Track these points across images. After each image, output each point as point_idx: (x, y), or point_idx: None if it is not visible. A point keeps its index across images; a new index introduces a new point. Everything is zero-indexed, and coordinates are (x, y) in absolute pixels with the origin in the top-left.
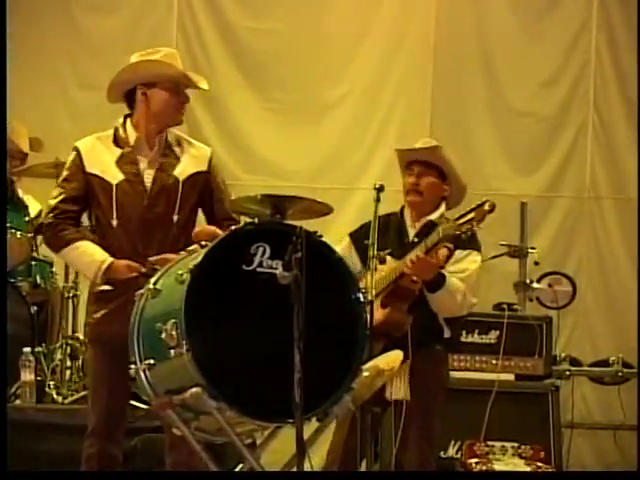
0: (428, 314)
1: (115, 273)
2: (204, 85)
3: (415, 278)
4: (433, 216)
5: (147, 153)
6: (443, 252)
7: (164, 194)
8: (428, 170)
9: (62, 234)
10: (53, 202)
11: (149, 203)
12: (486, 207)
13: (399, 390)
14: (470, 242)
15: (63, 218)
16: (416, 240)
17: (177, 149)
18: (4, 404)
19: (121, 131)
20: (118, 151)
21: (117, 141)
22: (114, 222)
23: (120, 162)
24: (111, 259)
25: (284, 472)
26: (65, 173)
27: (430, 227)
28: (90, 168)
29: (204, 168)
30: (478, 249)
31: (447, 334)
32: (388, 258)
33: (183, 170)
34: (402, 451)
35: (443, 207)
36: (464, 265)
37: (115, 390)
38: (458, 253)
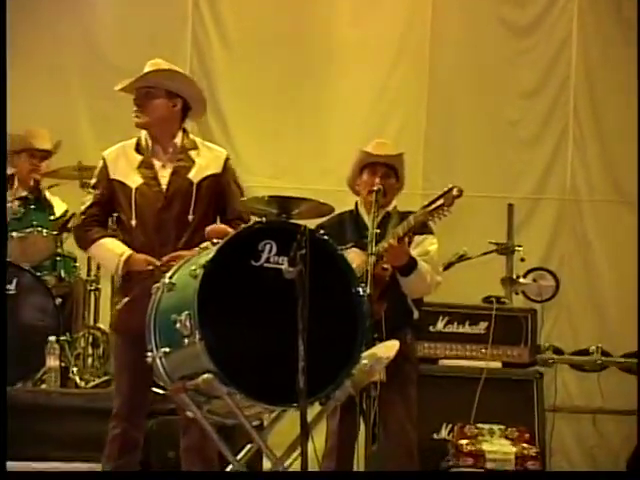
0: (398, 298)
1: (133, 265)
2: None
3: (386, 266)
4: (388, 208)
5: (162, 157)
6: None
7: (179, 196)
8: (389, 172)
9: (88, 234)
10: (82, 207)
11: (164, 204)
12: (454, 192)
13: (377, 372)
14: (424, 227)
15: (90, 220)
16: (378, 232)
17: (193, 152)
18: (4, 404)
19: (143, 139)
20: (139, 157)
21: (139, 148)
22: (133, 222)
23: (140, 167)
24: (130, 252)
25: (285, 472)
26: (93, 180)
27: (388, 218)
28: (113, 175)
29: (218, 170)
30: (432, 232)
31: (416, 315)
32: (355, 250)
33: (197, 173)
34: (385, 432)
35: (395, 200)
36: (425, 248)
37: (136, 376)
38: (416, 238)
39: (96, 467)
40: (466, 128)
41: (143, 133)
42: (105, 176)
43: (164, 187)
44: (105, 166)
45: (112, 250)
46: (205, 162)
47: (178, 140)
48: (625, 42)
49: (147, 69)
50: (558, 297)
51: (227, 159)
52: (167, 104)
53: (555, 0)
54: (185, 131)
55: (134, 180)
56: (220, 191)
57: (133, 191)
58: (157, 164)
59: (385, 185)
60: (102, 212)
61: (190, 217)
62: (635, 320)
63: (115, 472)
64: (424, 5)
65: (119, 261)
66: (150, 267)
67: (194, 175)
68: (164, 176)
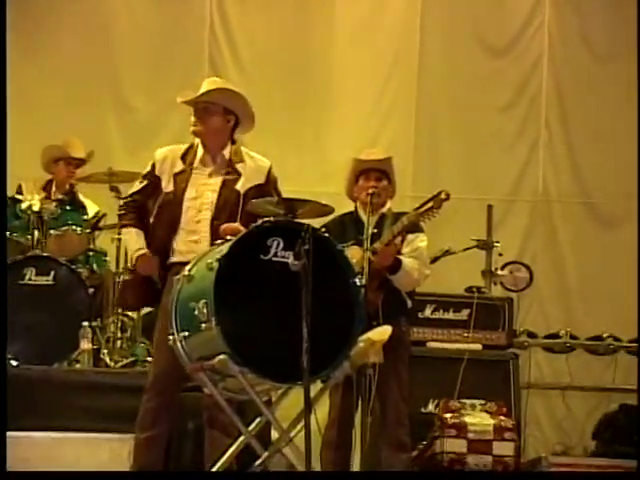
0: (394, 290)
1: (139, 265)
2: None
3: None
4: (384, 210)
5: (210, 165)
6: (399, 238)
7: (228, 206)
8: (382, 176)
9: (122, 217)
10: (130, 192)
11: (216, 213)
12: (442, 196)
13: (375, 355)
14: (416, 227)
15: (129, 203)
16: (375, 231)
17: (239, 165)
18: (4, 402)
19: (193, 148)
20: (181, 166)
21: (185, 156)
22: (151, 219)
23: (177, 175)
24: (141, 252)
25: (285, 472)
26: (144, 172)
27: (383, 219)
28: (158, 172)
29: (262, 181)
30: (422, 231)
31: (409, 304)
32: (355, 247)
33: (244, 184)
34: (381, 406)
35: (389, 203)
36: (416, 245)
37: (168, 355)
38: (409, 236)
39: (125, 437)
40: (450, 138)
41: (196, 141)
42: (152, 172)
43: (208, 198)
44: (154, 163)
45: (131, 244)
46: (250, 173)
47: (227, 152)
48: (591, 62)
49: (207, 86)
50: (531, 287)
51: (270, 169)
52: (223, 120)
53: (527, 26)
54: (234, 142)
55: (167, 185)
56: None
57: (162, 194)
58: (202, 175)
59: (379, 187)
60: (142, 200)
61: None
62: (599, 307)
63: (115, 472)
64: (412, 32)
65: (132, 257)
66: (148, 273)
67: (241, 186)
68: (211, 184)
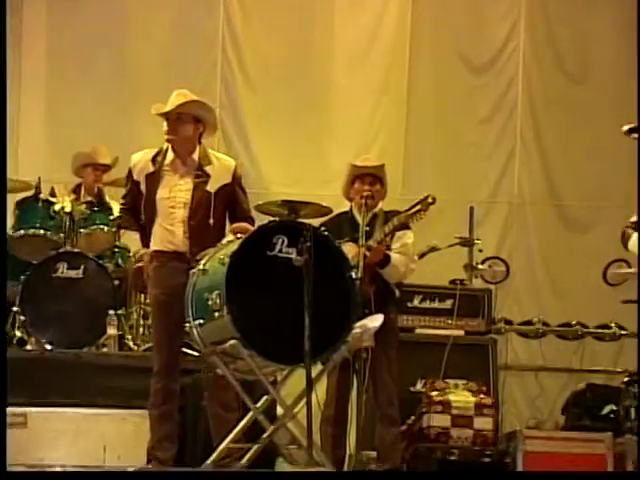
0: (384, 282)
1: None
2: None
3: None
4: (375, 210)
5: (180, 169)
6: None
7: (201, 206)
8: (375, 180)
9: (122, 220)
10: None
11: (191, 214)
12: (429, 200)
13: (368, 340)
14: (405, 225)
15: (124, 208)
16: (367, 229)
17: (208, 168)
18: (4, 402)
19: (162, 152)
20: (151, 169)
21: (155, 160)
22: (142, 217)
23: (148, 176)
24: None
25: (286, 472)
26: (125, 176)
27: (375, 218)
28: (136, 177)
29: (229, 180)
30: (410, 228)
31: (397, 294)
32: (350, 243)
33: (213, 184)
34: (373, 386)
35: (381, 204)
36: (404, 241)
37: (169, 342)
38: (398, 233)
39: (147, 413)
40: (436, 147)
41: (165, 146)
42: (130, 177)
43: (181, 197)
44: (130, 169)
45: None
46: (218, 173)
47: (196, 156)
48: (561, 81)
49: (177, 98)
50: (508, 280)
51: (235, 168)
52: (194, 128)
53: (504, 47)
54: (200, 143)
55: (143, 187)
56: (231, 196)
57: (144, 197)
58: (174, 177)
59: (373, 190)
60: (131, 202)
61: (211, 221)
62: (568, 298)
63: (114, 472)
64: (403, 52)
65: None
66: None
67: (211, 187)
68: (183, 184)
